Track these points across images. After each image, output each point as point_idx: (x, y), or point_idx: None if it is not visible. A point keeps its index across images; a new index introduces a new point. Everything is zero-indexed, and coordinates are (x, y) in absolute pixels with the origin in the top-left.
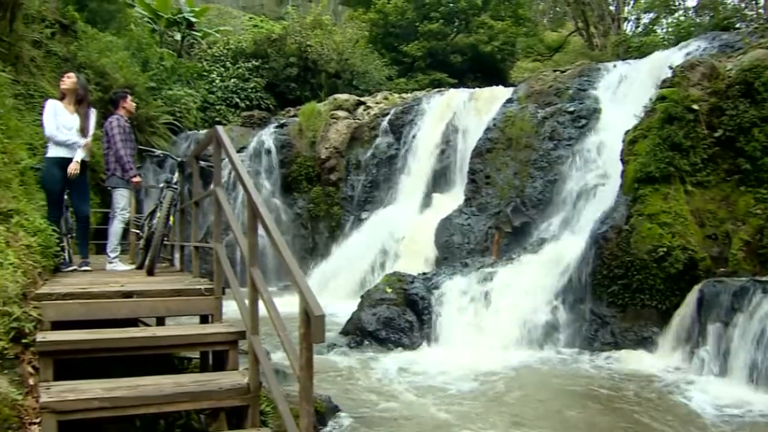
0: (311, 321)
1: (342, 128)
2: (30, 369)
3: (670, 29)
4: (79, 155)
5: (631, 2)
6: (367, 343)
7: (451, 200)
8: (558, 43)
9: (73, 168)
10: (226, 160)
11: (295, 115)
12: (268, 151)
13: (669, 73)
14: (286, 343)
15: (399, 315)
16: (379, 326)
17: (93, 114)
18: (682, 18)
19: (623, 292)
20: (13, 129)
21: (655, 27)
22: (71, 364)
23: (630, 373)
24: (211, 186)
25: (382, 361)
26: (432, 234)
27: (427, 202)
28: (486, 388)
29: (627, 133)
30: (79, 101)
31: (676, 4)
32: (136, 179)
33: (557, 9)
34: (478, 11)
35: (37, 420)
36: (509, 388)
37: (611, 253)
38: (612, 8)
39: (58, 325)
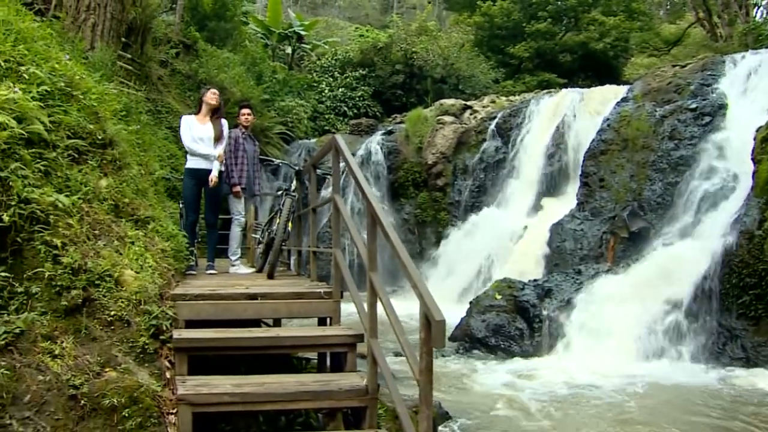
0: (432, 326)
1: (448, 133)
2: (167, 363)
3: None
4: (216, 168)
5: None
6: (476, 349)
7: (563, 204)
8: (676, 36)
9: (213, 181)
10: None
11: (401, 122)
12: (376, 158)
13: None
14: (406, 347)
15: (509, 322)
16: (488, 333)
17: (225, 125)
18: None
19: (756, 303)
20: (147, 143)
21: None
22: (200, 359)
23: (764, 394)
24: (322, 192)
25: (491, 368)
26: (542, 239)
27: (537, 206)
28: (599, 401)
29: (759, 130)
30: (214, 113)
31: None
32: (234, 188)
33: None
34: (588, 7)
35: (174, 411)
36: (624, 403)
37: (742, 260)
38: None
39: (189, 324)
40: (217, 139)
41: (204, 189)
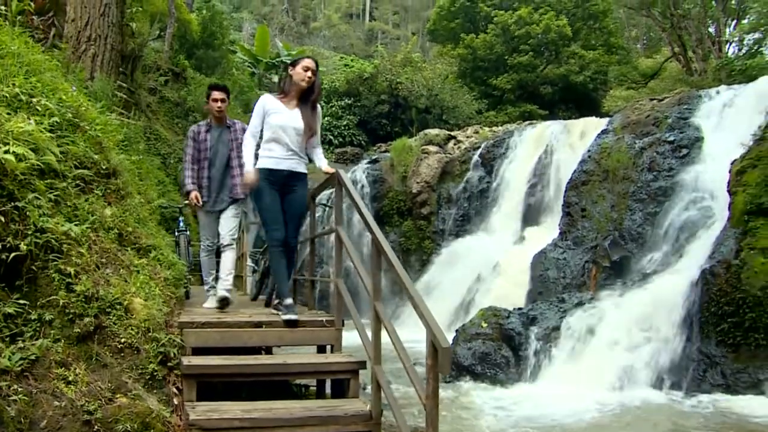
0: (439, 353)
1: (433, 162)
2: (174, 389)
3: None
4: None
5: (733, 23)
6: (462, 377)
7: (546, 233)
8: (653, 70)
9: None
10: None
11: (386, 151)
12: (361, 186)
13: None
14: (411, 373)
15: (495, 350)
16: (474, 361)
17: (320, 115)
18: None
19: (734, 331)
20: (145, 171)
21: (762, 48)
22: (203, 385)
23: (744, 419)
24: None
25: (477, 396)
26: (526, 268)
27: (520, 235)
28: (582, 428)
29: (734, 163)
30: (306, 96)
31: None
32: (191, 195)
33: (651, 34)
34: (569, 41)
35: None
36: (607, 430)
37: (720, 289)
38: (711, 30)
39: (195, 351)
40: (311, 134)
41: (286, 197)
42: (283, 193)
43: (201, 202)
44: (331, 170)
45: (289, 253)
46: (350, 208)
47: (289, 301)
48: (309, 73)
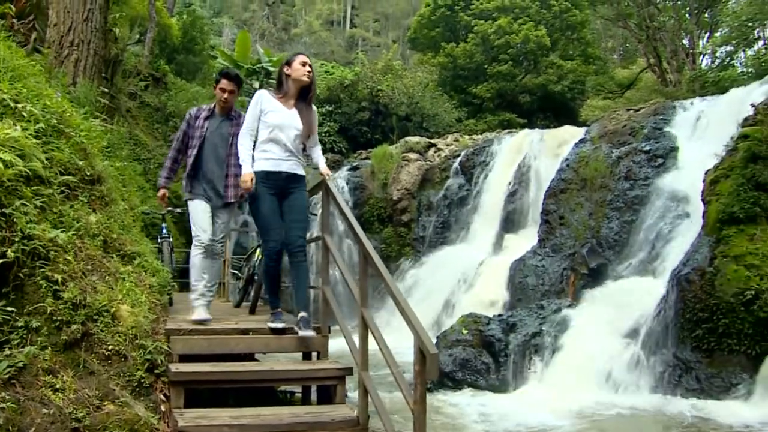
0: (427, 359)
1: (413, 170)
2: (161, 396)
3: (749, 63)
4: (323, 165)
5: (706, 36)
6: (442, 384)
7: (524, 241)
8: (629, 80)
9: (328, 174)
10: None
11: (367, 158)
12: (342, 193)
13: (750, 111)
14: (399, 378)
15: (475, 357)
16: (455, 367)
17: (315, 115)
18: (762, 50)
19: (708, 337)
20: (128, 177)
21: (734, 61)
22: (190, 392)
23: (718, 424)
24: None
25: (458, 402)
26: (505, 275)
27: (499, 242)
28: None
29: (707, 172)
30: (304, 94)
31: (755, 35)
32: (160, 192)
33: (627, 45)
34: (547, 52)
35: None
36: None
37: (695, 295)
38: (686, 42)
39: (182, 358)
40: (309, 134)
41: (284, 201)
42: (281, 197)
43: (167, 204)
44: (327, 173)
45: (298, 258)
46: (330, 215)
47: (278, 309)
48: (307, 68)
